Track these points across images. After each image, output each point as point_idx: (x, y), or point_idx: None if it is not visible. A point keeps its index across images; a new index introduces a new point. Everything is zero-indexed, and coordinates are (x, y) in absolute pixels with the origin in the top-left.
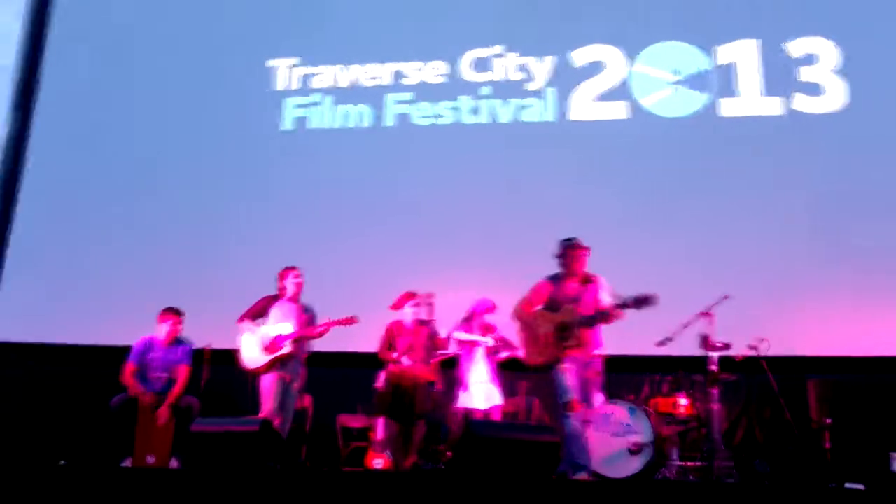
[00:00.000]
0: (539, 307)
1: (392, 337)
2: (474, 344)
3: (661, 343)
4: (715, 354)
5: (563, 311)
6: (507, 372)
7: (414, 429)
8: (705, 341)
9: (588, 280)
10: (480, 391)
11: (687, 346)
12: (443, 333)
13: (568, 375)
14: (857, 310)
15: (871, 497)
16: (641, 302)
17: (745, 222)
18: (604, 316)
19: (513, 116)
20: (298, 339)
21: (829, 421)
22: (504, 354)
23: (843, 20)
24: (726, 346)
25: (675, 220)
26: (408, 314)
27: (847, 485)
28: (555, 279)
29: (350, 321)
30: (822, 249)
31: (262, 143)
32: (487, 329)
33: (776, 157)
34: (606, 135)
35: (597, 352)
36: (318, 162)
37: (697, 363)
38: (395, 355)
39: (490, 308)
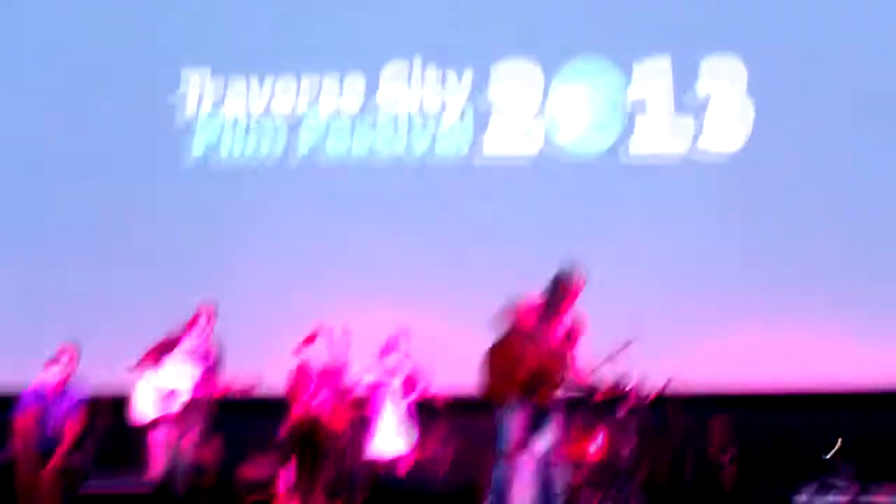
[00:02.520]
0: (513, 340)
1: (299, 379)
2: (379, 385)
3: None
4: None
5: (541, 361)
6: (421, 414)
7: (319, 475)
8: (613, 386)
9: (575, 331)
10: (388, 437)
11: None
12: (355, 370)
13: (517, 423)
14: (763, 342)
15: None
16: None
17: (649, 255)
18: (585, 394)
19: (428, 147)
20: (191, 401)
21: (728, 456)
22: (413, 396)
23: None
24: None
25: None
26: (319, 351)
27: None
28: (540, 313)
29: (250, 387)
30: (728, 280)
31: (168, 172)
32: (398, 367)
33: (679, 193)
34: (518, 170)
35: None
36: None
37: (605, 404)
38: (302, 397)
39: (392, 346)
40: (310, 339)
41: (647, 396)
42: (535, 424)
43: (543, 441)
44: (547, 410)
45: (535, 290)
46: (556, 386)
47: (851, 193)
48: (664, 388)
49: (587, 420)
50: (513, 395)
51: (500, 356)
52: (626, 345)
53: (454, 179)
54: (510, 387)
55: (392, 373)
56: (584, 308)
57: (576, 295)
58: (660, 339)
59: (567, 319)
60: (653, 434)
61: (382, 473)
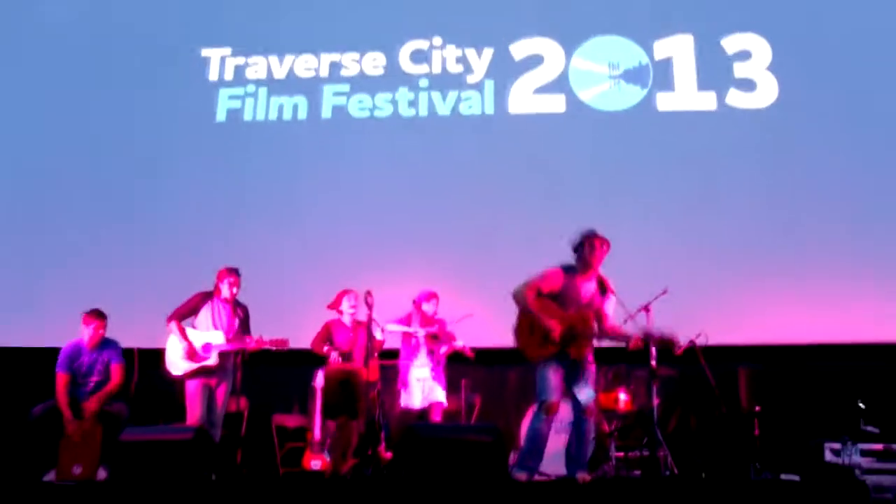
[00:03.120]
0: (544, 297)
1: (329, 333)
2: (409, 336)
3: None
4: (654, 349)
5: (576, 316)
6: (450, 367)
7: (352, 428)
8: (645, 336)
9: (604, 288)
10: (419, 389)
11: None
12: (386, 325)
13: (555, 376)
14: (789, 299)
15: (807, 488)
16: (664, 344)
17: (680, 215)
18: (623, 341)
19: (451, 109)
20: (224, 353)
21: (758, 409)
22: (444, 349)
23: (776, 17)
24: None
25: (613, 214)
26: (346, 313)
27: (782, 476)
28: (570, 271)
29: (281, 343)
30: (753, 241)
31: (195, 135)
32: (429, 321)
33: (710, 150)
34: (545, 128)
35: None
36: (252, 155)
37: (637, 356)
38: (326, 349)
39: (427, 297)
40: (338, 299)
41: (678, 348)
42: (570, 376)
43: (579, 392)
44: (581, 363)
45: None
46: (590, 339)
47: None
48: (695, 340)
49: (619, 371)
50: (548, 352)
51: (530, 320)
52: (661, 294)
53: (480, 137)
54: (544, 346)
55: (424, 325)
56: (615, 262)
57: (601, 252)
58: (689, 292)
59: (594, 275)
60: (683, 385)
61: (414, 422)
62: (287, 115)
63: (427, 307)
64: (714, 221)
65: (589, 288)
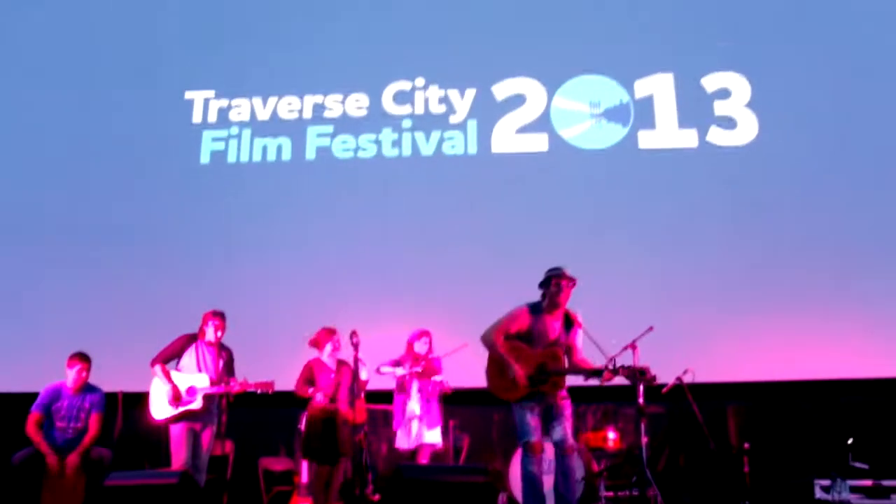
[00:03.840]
0: (513, 337)
1: (311, 374)
2: (402, 376)
3: (588, 376)
4: (642, 387)
5: (544, 353)
6: (442, 406)
7: (336, 470)
8: (631, 372)
9: (570, 322)
10: (408, 429)
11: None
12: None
13: (531, 416)
14: (774, 336)
15: None
16: (637, 375)
17: (663, 253)
18: (594, 376)
19: (435, 149)
20: (209, 397)
21: (747, 446)
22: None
23: (755, 56)
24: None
25: (597, 250)
26: (327, 352)
27: None
28: (535, 309)
29: (266, 386)
30: (737, 278)
31: (179, 177)
32: (417, 360)
33: (692, 187)
34: (528, 166)
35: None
36: (236, 196)
37: (624, 393)
38: (311, 391)
39: (417, 335)
40: (320, 338)
41: (653, 379)
42: (546, 415)
43: (553, 431)
44: (555, 400)
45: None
46: (561, 376)
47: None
48: (682, 377)
49: (607, 409)
50: (519, 394)
51: (500, 364)
52: (646, 332)
53: (464, 176)
54: (514, 389)
55: (414, 365)
56: (599, 299)
57: (567, 290)
58: (674, 330)
59: (561, 312)
60: (671, 423)
61: (403, 464)
62: (271, 157)
63: (419, 346)
64: (697, 258)
65: (555, 325)
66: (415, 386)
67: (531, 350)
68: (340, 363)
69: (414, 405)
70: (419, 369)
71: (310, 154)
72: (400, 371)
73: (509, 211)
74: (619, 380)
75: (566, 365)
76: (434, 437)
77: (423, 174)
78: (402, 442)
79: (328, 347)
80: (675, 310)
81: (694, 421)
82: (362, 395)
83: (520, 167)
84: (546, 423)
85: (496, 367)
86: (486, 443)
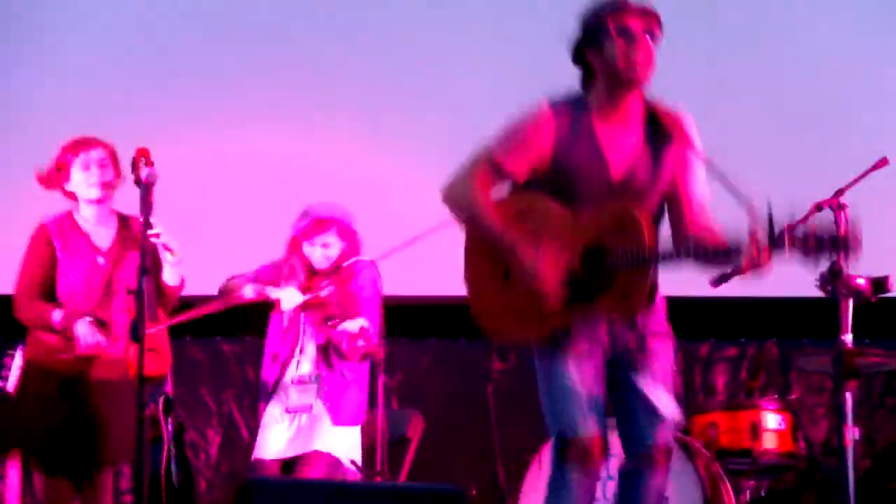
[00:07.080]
0: (521, 187)
1: (49, 256)
2: (277, 313)
3: (717, 283)
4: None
5: (603, 216)
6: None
7: (95, 486)
8: (831, 276)
9: (666, 135)
10: (284, 419)
11: (779, 286)
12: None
13: (577, 371)
14: None
15: None
16: (829, 245)
17: None
18: (726, 259)
19: None
20: None
21: None
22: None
23: None
24: (878, 284)
25: None
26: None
27: None
28: (575, 107)
29: None
30: None
31: None
32: (313, 277)
33: None
34: None
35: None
36: None
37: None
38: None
39: (311, 223)
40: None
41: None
42: (615, 373)
43: (642, 408)
44: (637, 328)
45: None
46: (647, 265)
47: None
48: None
49: (757, 359)
50: (546, 328)
51: (480, 250)
52: (876, 166)
53: None
54: (531, 312)
55: (305, 284)
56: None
57: (643, 37)
58: None
59: (639, 109)
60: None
61: (256, 478)
62: None
63: (311, 248)
64: None
65: (627, 143)
66: (304, 333)
67: (569, 211)
68: (123, 228)
69: (307, 362)
70: (324, 295)
71: None
72: (280, 295)
73: None
74: (791, 289)
75: (667, 244)
76: (339, 437)
77: None
78: (264, 447)
79: (80, 178)
80: None
81: None
82: (166, 313)
83: None
84: (615, 393)
85: (487, 262)
86: (465, 430)
